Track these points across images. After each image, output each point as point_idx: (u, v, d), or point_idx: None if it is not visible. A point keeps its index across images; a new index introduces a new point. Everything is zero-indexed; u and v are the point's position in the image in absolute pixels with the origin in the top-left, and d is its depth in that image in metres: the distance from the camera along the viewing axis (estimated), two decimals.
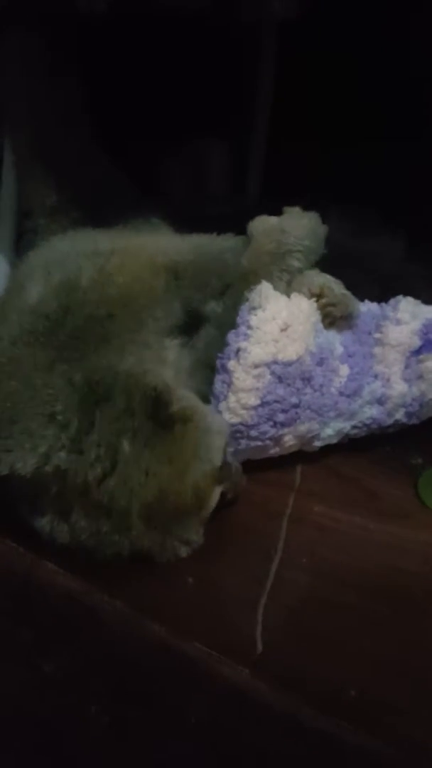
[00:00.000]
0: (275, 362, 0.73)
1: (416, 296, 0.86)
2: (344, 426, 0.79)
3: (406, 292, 0.90)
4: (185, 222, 0.87)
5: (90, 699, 0.62)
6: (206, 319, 0.76)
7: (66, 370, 0.65)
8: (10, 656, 0.65)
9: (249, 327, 0.72)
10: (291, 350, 0.73)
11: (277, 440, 0.76)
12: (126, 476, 0.62)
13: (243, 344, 0.72)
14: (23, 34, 0.86)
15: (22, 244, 0.90)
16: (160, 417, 0.64)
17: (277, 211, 0.80)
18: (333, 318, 0.77)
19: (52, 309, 0.68)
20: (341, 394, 0.77)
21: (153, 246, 0.77)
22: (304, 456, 0.79)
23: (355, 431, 0.81)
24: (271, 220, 0.78)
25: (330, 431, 0.79)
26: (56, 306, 0.68)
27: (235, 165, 1.12)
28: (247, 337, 0.72)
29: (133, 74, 0.99)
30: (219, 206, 1.01)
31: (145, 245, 0.77)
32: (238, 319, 0.73)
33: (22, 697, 0.66)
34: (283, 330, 0.73)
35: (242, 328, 0.73)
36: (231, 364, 0.72)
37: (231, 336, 0.73)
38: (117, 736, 0.61)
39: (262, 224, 0.77)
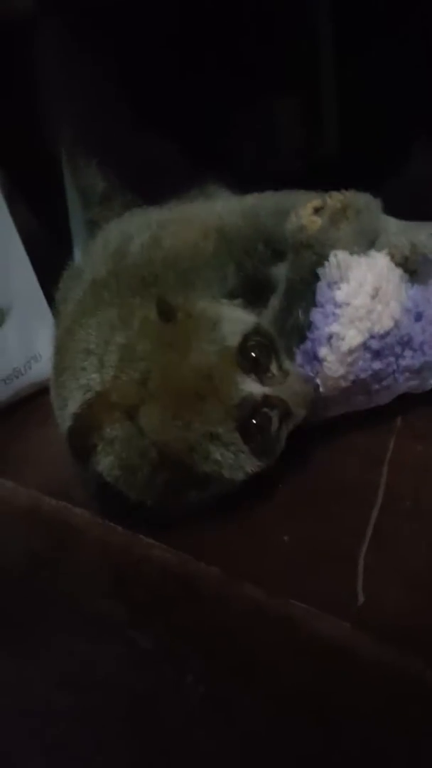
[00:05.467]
0: (372, 337, 0.63)
1: None
2: None
3: None
4: (249, 182, 0.84)
5: (185, 669, 0.59)
6: (272, 289, 0.70)
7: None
8: (106, 632, 0.64)
9: (336, 305, 0.63)
10: (386, 317, 0.64)
11: (371, 402, 0.69)
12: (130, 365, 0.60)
13: (335, 328, 0.63)
14: (59, 21, 0.88)
15: (84, 234, 0.92)
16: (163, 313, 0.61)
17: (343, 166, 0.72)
18: (413, 269, 0.67)
19: (101, 276, 0.68)
20: None
21: (207, 211, 0.75)
22: (403, 395, 0.71)
23: None
24: (312, 230, 0.65)
25: None
26: (105, 272, 0.68)
27: (303, 122, 1.07)
28: (336, 317, 0.63)
29: (191, 34, 0.96)
30: (285, 164, 0.97)
31: (200, 211, 0.75)
32: (320, 298, 0.64)
33: (118, 673, 0.64)
34: (373, 297, 0.63)
35: (329, 307, 0.63)
36: (323, 353, 0.63)
37: (318, 317, 0.63)
38: (213, 706, 0.58)
39: (299, 234, 0.66)
